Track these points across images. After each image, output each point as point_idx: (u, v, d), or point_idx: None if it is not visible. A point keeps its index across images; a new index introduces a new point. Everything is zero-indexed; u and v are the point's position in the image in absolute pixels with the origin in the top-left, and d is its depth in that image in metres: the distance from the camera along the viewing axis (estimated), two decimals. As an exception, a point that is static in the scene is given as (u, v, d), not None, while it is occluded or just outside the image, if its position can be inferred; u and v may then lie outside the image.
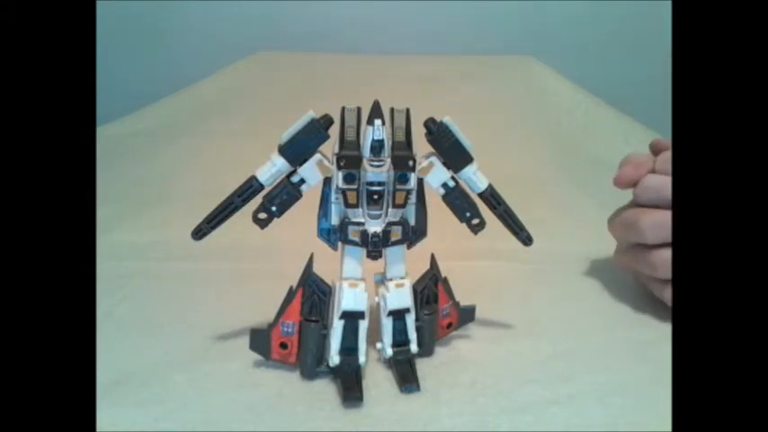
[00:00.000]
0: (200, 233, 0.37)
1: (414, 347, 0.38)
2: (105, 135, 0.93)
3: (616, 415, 0.35)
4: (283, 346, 0.37)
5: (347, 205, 0.35)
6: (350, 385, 0.36)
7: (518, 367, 0.39)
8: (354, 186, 0.35)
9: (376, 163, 0.35)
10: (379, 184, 0.35)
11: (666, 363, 0.30)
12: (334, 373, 0.37)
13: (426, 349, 0.39)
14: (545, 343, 0.42)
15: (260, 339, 0.38)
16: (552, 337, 0.43)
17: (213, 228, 0.37)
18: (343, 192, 0.35)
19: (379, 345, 0.38)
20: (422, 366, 0.38)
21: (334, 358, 0.37)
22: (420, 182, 0.36)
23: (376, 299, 0.38)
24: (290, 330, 0.37)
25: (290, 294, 0.37)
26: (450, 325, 0.41)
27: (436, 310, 0.39)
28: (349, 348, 0.37)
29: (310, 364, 0.37)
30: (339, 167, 0.35)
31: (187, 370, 0.39)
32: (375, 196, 0.35)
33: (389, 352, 0.38)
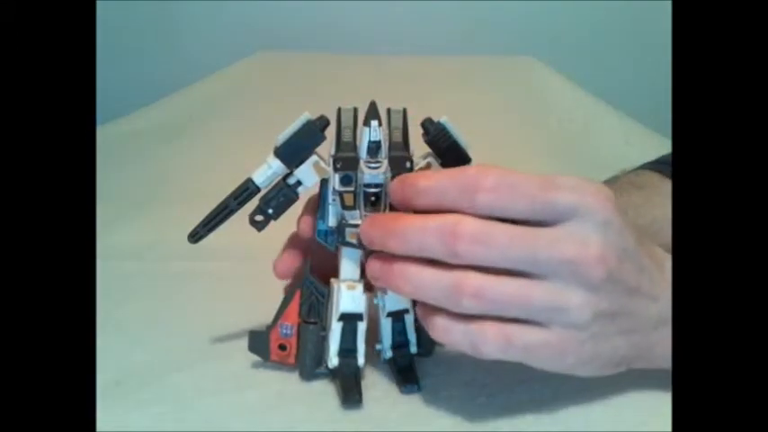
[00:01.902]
0: (196, 236, 0.37)
1: (413, 348, 0.38)
2: (105, 135, 0.93)
3: (616, 415, 0.35)
4: (282, 347, 0.37)
5: (344, 207, 0.35)
6: (349, 387, 0.36)
7: (518, 366, 0.39)
8: (351, 188, 0.35)
9: (373, 165, 0.34)
10: (377, 185, 0.35)
11: (666, 363, 0.30)
12: (334, 374, 0.37)
13: (426, 349, 0.39)
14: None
15: (259, 341, 0.38)
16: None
17: (210, 231, 0.37)
18: (340, 194, 0.35)
19: (378, 346, 0.38)
20: (422, 366, 0.38)
21: (333, 360, 0.37)
22: None
23: (375, 300, 0.38)
24: (288, 332, 0.37)
25: (289, 296, 0.37)
26: None
27: None
28: (348, 350, 0.37)
29: (309, 365, 0.37)
30: (336, 169, 0.34)
31: (187, 370, 0.39)
32: (372, 198, 0.35)
33: (389, 353, 0.38)
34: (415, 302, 0.38)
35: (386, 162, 0.34)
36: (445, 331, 0.32)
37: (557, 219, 0.30)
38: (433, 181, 0.31)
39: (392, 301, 0.37)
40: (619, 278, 0.31)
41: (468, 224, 0.30)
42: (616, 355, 0.32)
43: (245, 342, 0.38)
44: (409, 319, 0.38)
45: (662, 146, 0.91)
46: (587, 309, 0.30)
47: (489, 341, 0.31)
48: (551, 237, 0.30)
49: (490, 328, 0.31)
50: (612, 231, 0.31)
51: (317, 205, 0.37)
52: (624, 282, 0.31)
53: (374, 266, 0.33)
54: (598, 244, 0.30)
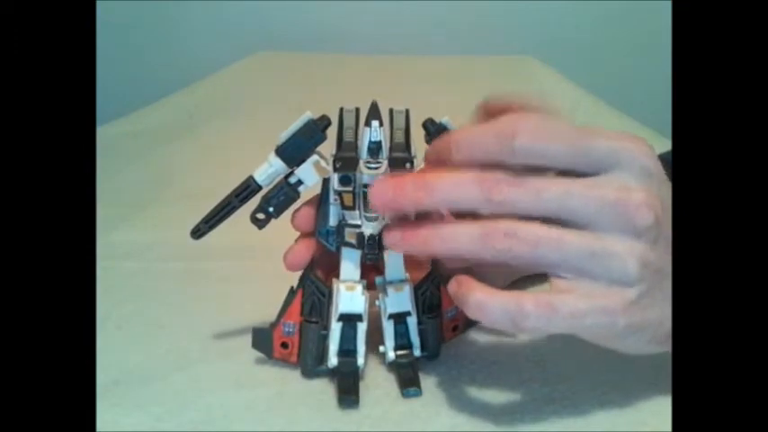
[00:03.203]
0: (198, 232, 0.37)
1: (417, 352, 0.38)
2: (105, 135, 0.93)
3: (616, 415, 0.35)
4: (284, 345, 0.37)
5: (344, 207, 0.35)
6: (346, 387, 0.36)
7: (518, 366, 0.39)
8: (350, 188, 0.34)
9: (373, 165, 0.34)
10: None
11: (666, 362, 0.30)
12: (334, 374, 0.37)
13: (432, 352, 0.39)
14: (545, 342, 0.42)
15: (262, 338, 0.38)
16: (552, 335, 0.42)
17: (212, 227, 0.37)
18: (340, 194, 0.35)
19: (381, 348, 0.38)
20: (422, 366, 0.38)
21: (332, 360, 0.37)
22: None
23: (376, 302, 0.38)
24: (290, 330, 0.37)
25: (291, 294, 0.37)
26: (456, 327, 0.40)
27: (440, 313, 0.39)
28: (348, 350, 0.37)
29: (311, 364, 0.37)
30: (335, 169, 0.34)
31: (187, 370, 0.39)
32: None
33: (391, 356, 0.38)
34: (418, 305, 0.38)
35: (386, 163, 0.34)
36: (482, 308, 0.30)
37: (597, 167, 0.30)
38: (469, 132, 0.31)
39: (393, 304, 0.37)
40: (665, 231, 0.30)
41: (503, 171, 0.30)
42: (663, 327, 0.31)
43: (245, 341, 0.38)
44: (412, 321, 0.38)
45: (662, 146, 0.90)
46: (633, 258, 0.29)
47: (531, 313, 0.29)
48: (590, 182, 0.30)
49: (530, 299, 0.29)
50: (655, 180, 0.30)
51: (319, 201, 0.37)
52: (669, 238, 0.30)
53: (395, 232, 0.32)
54: (642, 190, 0.29)
